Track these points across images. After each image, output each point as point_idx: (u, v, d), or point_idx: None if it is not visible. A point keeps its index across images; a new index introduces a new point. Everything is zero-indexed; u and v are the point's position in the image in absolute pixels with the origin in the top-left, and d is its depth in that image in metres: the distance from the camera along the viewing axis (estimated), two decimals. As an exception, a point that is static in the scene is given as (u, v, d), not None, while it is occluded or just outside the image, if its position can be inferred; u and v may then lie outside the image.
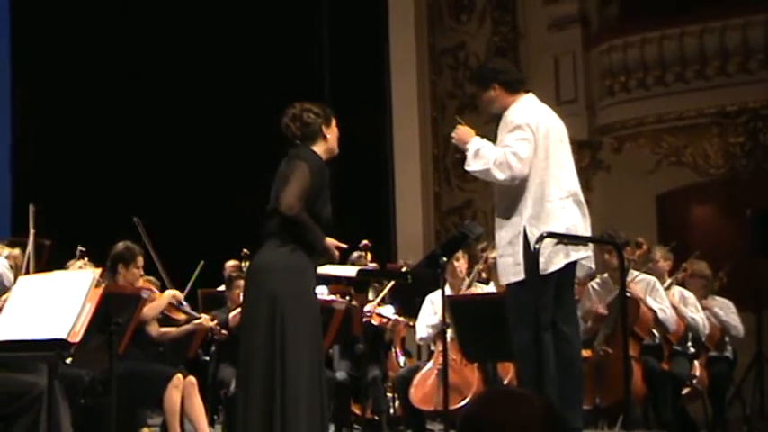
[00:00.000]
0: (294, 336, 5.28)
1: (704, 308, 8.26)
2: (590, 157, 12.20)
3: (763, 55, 11.23)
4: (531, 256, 5.56)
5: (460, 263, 7.88)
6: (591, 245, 5.93)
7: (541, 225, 5.72)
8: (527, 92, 6.03)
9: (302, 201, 5.30)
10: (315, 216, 5.36)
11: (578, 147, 12.18)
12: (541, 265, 5.67)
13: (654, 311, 7.68)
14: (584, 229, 5.89)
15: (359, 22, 13.05)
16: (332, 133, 5.55)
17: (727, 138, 11.45)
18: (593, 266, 6.01)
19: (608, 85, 12.01)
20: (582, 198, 5.99)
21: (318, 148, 5.50)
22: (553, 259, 5.71)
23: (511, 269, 5.79)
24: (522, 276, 5.73)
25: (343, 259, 8.56)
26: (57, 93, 13.47)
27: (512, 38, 12.70)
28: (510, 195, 5.82)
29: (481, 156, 5.85)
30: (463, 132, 6.01)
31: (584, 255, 5.86)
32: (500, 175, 5.77)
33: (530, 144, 5.76)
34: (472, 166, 5.89)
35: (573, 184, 5.94)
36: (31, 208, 7.49)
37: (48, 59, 13.57)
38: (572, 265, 5.83)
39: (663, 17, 11.63)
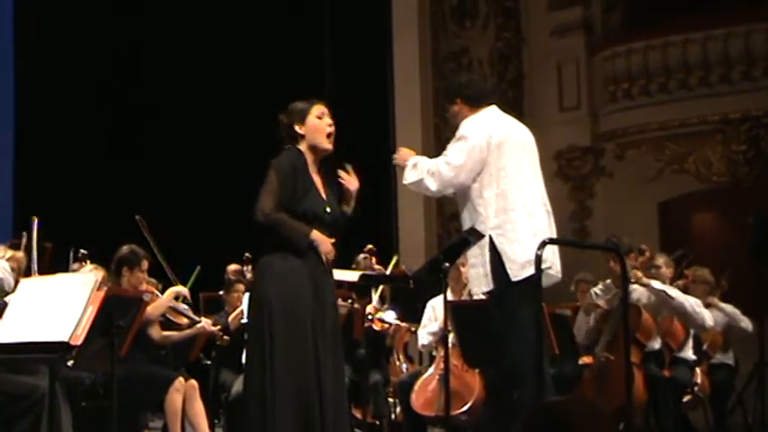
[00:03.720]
0: (278, 339, 5.26)
1: (711, 305, 8.29)
2: (592, 164, 12.20)
3: (767, 63, 11.23)
4: (535, 262, 5.56)
5: (465, 269, 7.88)
6: (557, 254, 5.91)
7: (509, 233, 5.73)
8: (490, 104, 6.02)
9: (271, 203, 5.32)
10: (295, 212, 5.35)
11: (581, 153, 12.22)
12: (514, 272, 5.70)
13: (663, 290, 7.65)
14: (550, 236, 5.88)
15: (362, 27, 13.05)
16: (309, 127, 5.49)
17: (729, 145, 11.44)
18: (559, 276, 5.99)
19: (611, 92, 12.00)
20: (549, 208, 5.98)
21: (302, 146, 5.51)
22: (526, 267, 5.71)
23: (483, 280, 5.82)
24: (491, 286, 5.78)
25: (349, 262, 8.58)
26: (58, 95, 13.46)
27: (515, 44, 12.70)
28: (470, 208, 5.85)
29: (417, 168, 5.91)
30: (404, 153, 6.08)
31: (551, 262, 5.83)
32: (432, 185, 5.85)
33: (466, 153, 5.78)
34: (408, 178, 5.94)
35: (539, 192, 5.94)
36: (35, 221, 7.47)
37: (49, 60, 13.56)
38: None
39: (666, 24, 11.63)
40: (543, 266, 5.70)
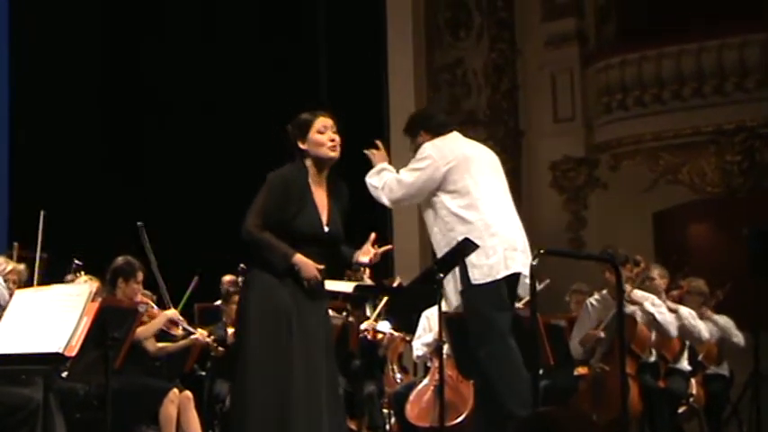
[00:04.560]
0: (252, 354, 5.26)
1: (704, 317, 8.28)
2: (587, 175, 12.22)
3: (760, 74, 11.26)
4: (531, 271, 5.60)
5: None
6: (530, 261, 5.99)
7: (475, 240, 5.79)
8: (452, 131, 6.24)
9: (256, 221, 5.28)
10: (289, 231, 5.32)
11: (575, 164, 12.23)
12: (475, 275, 5.80)
13: (652, 314, 7.64)
14: (523, 246, 6.00)
15: (357, 38, 13.06)
16: (311, 142, 5.43)
17: (724, 156, 11.47)
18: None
19: (605, 103, 12.03)
20: (520, 224, 6.11)
21: (307, 161, 5.49)
22: (494, 268, 5.84)
23: (453, 296, 5.97)
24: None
25: (341, 274, 8.56)
26: (56, 101, 13.42)
27: (509, 55, 12.72)
28: (439, 221, 5.99)
29: (380, 175, 6.15)
30: (379, 155, 6.25)
31: (520, 269, 5.92)
32: (384, 199, 6.12)
33: (418, 173, 6.01)
34: (370, 180, 6.17)
35: (509, 207, 6.10)
36: (42, 215, 7.47)
37: (47, 67, 13.51)
38: (513, 279, 5.92)
39: (660, 35, 11.66)
40: (517, 270, 5.88)
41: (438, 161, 6.00)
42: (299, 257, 5.27)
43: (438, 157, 6.01)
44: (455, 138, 6.20)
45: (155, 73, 13.66)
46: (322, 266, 5.34)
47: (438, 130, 6.19)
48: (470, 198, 5.93)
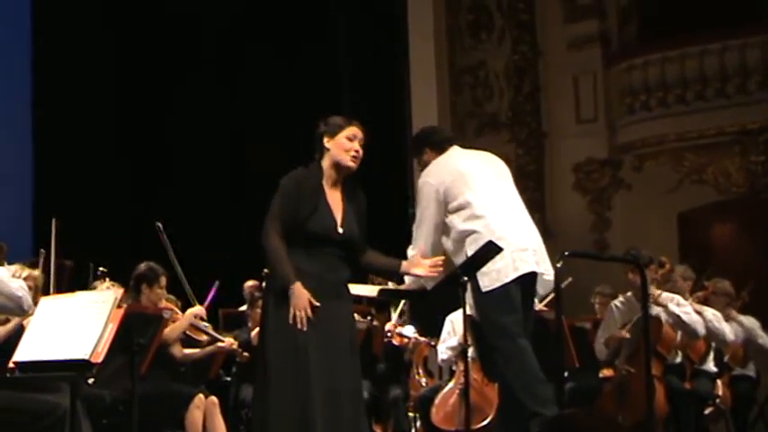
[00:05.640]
0: (271, 358, 5.30)
1: (730, 317, 8.23)
2: (611, 176, 12.19)
3: (784, 73, 11.23)
4: (555, 274, 5.59)
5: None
6: (547, 259, 5.97)
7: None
8: (452, 145, 6.23)
9: (276, 225, 5.34)
10: (302, 232, 5.35)
11: (599, 165, 12.21)
12: (485, 282, 5.78)
13: (678, 315, 7.59)
14: (536, 245, 5.97)
15: (378, 41, 13.07)
16: (336, 143, 5.48)
17: (748, 156, 11.43)
18: (553, 280, 6.04)
19: (628, 104, 12.01)
20: (531, 225, 6.09)
21: (325, 161, 5.52)
22: (502, 272, 5.80)
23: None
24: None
25: (364, 278, 8.56)
26: (79, 106, 13.47)
27: (531, 57, 12.71)
28: (452, 244, 5.95)
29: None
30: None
31: (533, 268, 5.88)
32: (411, 250, 5.99)
33: (424, 202, 6.00)
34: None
35: (518, 210, 6.08)
36: (54, 223, 7.51)
37: (68, 75, 13.58)
38: (528, 279, 5.88)
39: (683, 35, 11.63)
40: (527, 270, 5.82)
41: (435, 185, 6.00)
42: (296, 287, 5.27)
43: (434, 180, 6.02)
44: (451, 154, 6.18)
45: (172, 80, 13.70)
46: (317, 304, 5.30)
47: (441, 145, 6.19)
48: (471, 209, 5.91)
